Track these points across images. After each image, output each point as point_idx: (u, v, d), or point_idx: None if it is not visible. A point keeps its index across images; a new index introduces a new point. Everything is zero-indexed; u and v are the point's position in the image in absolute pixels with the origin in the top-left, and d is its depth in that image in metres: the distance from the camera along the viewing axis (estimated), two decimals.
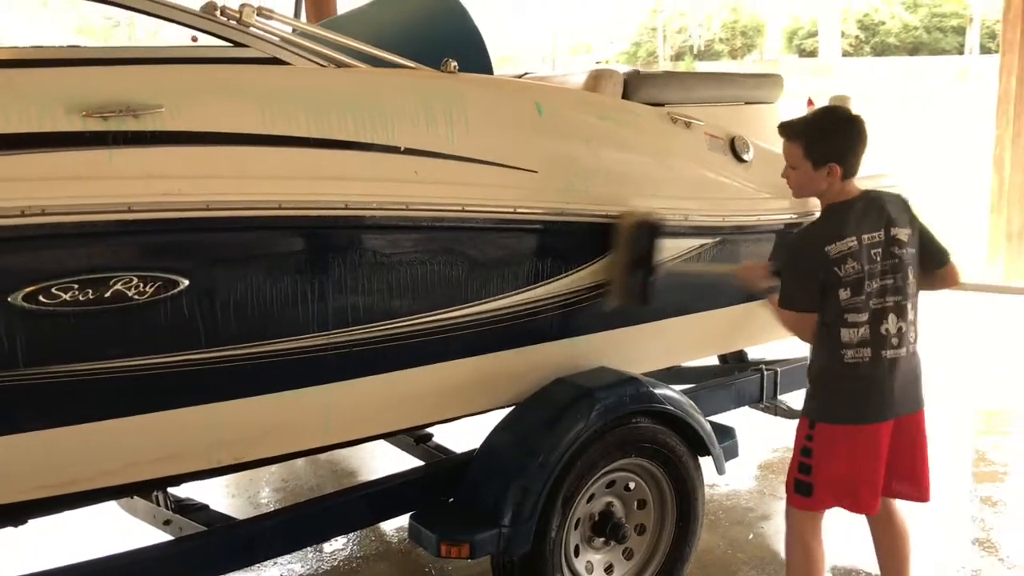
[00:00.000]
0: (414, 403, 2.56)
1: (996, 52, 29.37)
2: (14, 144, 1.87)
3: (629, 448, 2.74)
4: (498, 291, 2.59)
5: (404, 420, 2.61)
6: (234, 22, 2.20)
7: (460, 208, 2.44)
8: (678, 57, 37.49)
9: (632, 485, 2.85)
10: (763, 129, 3.31)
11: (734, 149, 3.05)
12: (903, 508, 2.67)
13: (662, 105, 2.99)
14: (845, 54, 33.36)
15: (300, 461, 4.32)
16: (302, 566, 3.39)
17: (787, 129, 2.51)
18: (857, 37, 35.03)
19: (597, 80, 2.93)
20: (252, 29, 2.24)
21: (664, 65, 34.37)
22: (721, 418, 3.25)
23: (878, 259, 2.40)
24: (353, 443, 2.64)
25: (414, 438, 3.33)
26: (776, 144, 3.36)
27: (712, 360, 3.99)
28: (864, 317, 2.38)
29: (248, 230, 2.16)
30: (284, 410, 2.32)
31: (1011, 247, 7.21)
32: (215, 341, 2.15)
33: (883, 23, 34.75)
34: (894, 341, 2.41)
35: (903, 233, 2.45)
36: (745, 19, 37.83)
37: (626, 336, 2.95)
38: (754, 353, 3.91)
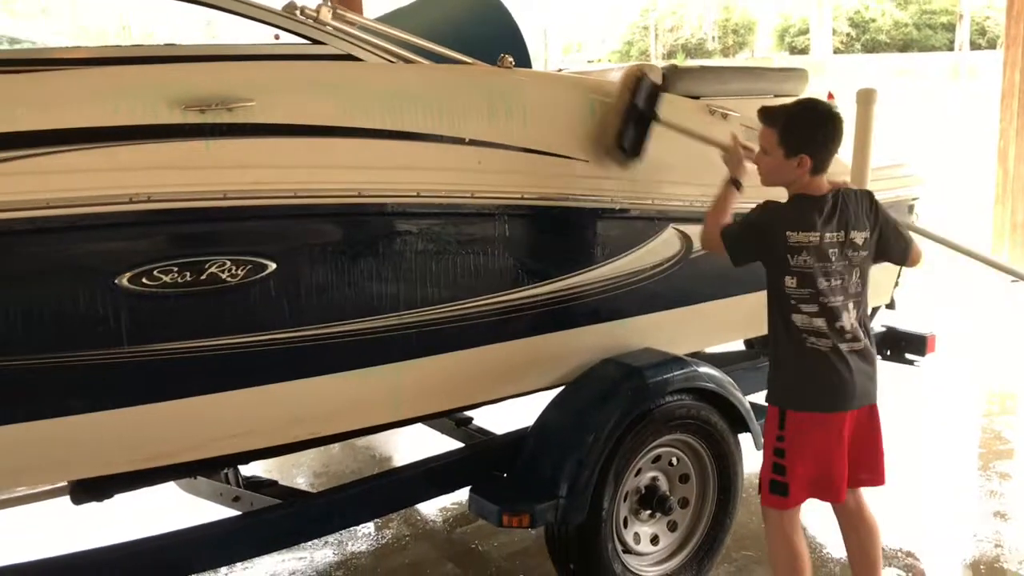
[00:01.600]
0: (474, 382, 2.70)
1: (986, 48, 29.43)
2: (122, 135, 2.01)
3: (674, 424, 2.88)
4: (552, 275, 2.74)
5: (465, 398, 2.75)
6: (312, 21, 2.34)
7: (519, 196, 2.59)
8: (670, 55, 37.66)
9: (676, 460, 2.99)
10: None
11: None
12: (870, 501, 2.68)
13: (698, 98, 3.14)
14: (836, 51, 33.56)
15: (337, 447, 4.46)
16: (353, 544, 3.52)
17: (766, 114, 2.48)
18: (848, 35, 35.24)
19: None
20: (328, 27, 2.37)
21: (656, 63, 34.47)
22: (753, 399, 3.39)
23: (834, 259, 2.41)
24: (418, 420, 2.78)
25: (455, 421, 3.46)
26: None
27: (738, 345, 4.15)
28: (815, 309, 2.40)
29: (330, 216, 2.30)
30: (358, 387, 2.45)
31: (1015, 237, 7.40)
32: (298, 321, 2.29)
33: (874, 20, 34.98)
34: (849, 336, 2.43)
35: (860, 236, 2.46)
36: (736, 17, 38.03)
37: (667, 319, 3.10)
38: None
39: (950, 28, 34.09)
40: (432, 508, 3.81)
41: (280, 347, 2.28)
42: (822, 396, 2.45)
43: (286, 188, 2.20)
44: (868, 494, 2.66)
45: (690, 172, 2.93)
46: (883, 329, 4.03)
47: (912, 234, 2.76)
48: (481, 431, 3.41)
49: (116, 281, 2.03)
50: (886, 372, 4.20)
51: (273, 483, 2.84)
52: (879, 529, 2.66)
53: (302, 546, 3.46)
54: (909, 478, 3.97)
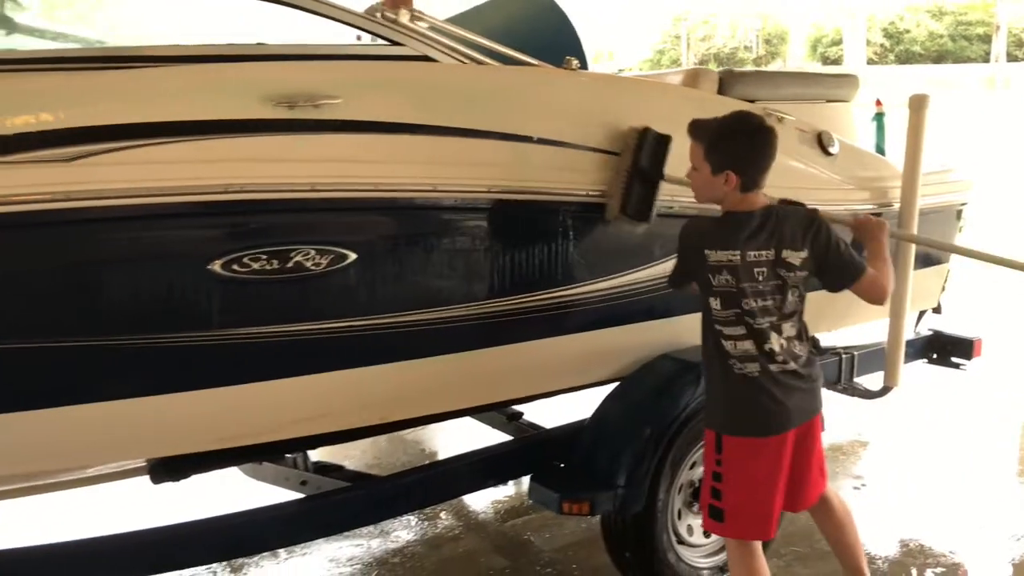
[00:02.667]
0: (537, 373, 2.79)
1: (1023, 60, 29.00)
2: (218, 129, 2.12)
3: None
4: (611, 272, 2.82)
5: (528, 388, 2.84)
6: (391, 23, 2.45)
7: (584, 193, 2.68)
8: (701, 64, 37.62)
9: None
10: (841, 126, 3.54)
11: (821, 143, 3.27)
12: (837, 491, 2.73)
13: (753, 101, 3.21)
14: (870, 62, 33.38)
15: (385, 441, 4.56)
16: (408, 534, 3.62)
17: (694, 128, 2.35)
18: (882, 45, 35.03)
19: (696, 78, 3.16)
20: (406, 29, 2.48)
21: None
22: None
23: (760, 278, 2.29)
24: (478, 410, 2.87)
25: (506, 416, 3.56)
26: (855, 138, 3.60)
27: None
28: (741, 331, 2.30)
29: (406, 210, 2.40)
30: (428, 375, 2.55)
31: None
32: (374, 310, 2.39)
33: (908, 31, 34.74)
34: (780, 358, 2.32)
35: (795, 256, 2.31)
36: (769, 27, 37.95)
37: None
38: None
39: (986, 39, 33.79)
40: (483, 501, 3.90)
41: (356, 334, 2.38)
42: (755, 422, 2.37)
43: (367, 182, 2.30)
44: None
45: None
46: (930, 333, 4.07)
47: (877, 268, 2.44)
48: (532, 425, 3.50)
49: (209, 267, 2.14)
50: (928, 374, 4.30)
51: (340, 467, 2.94)
52: (850, 513, 2.68)
53: (358, 534, 3.57)
54: (950, 479, 4.03)
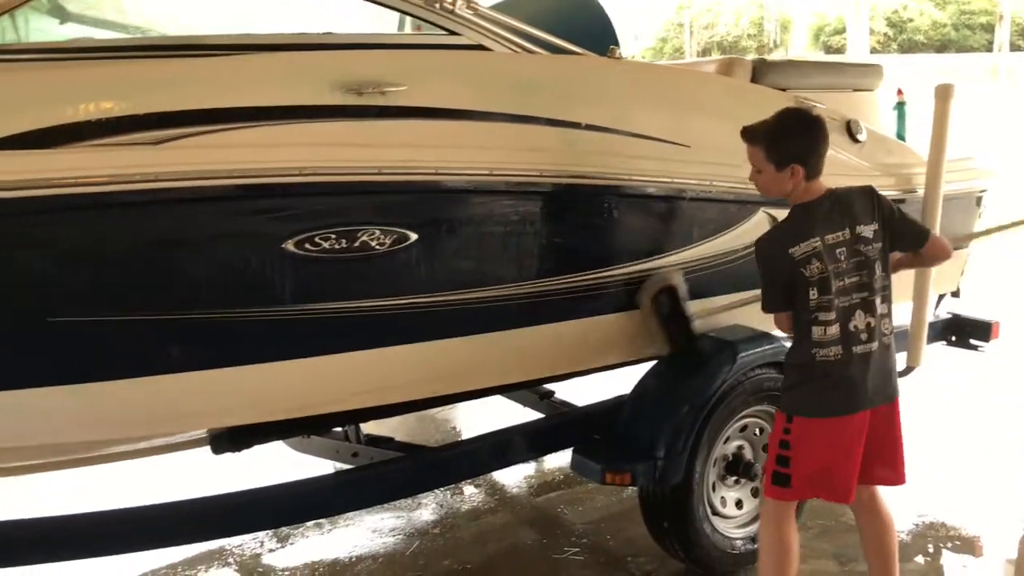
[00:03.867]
0: (584, 350, 2.91)
1: None
2: (293, 115, 2.24)
3: (761, 396, 3.07)
4: (653, 254, 2.94)
5: (576, 364, 2.96)
6: (449, 13, 2.56)
7: (627, 178, 2.79)
8: (704, 53, 37.61)
9: (760, 430, 3.18)
10: (867, 114, 3.65)
11: (850, 131, 3.38)
12: (887, 499, 2.71)
13: (784, 90, 3.33)
14: (873, 51, 33.38)
15: (413, 420, 4.68)
16: (446, 506, 3.75)
17: (748, 134, 2.48)
18: (885, 34, 35.02)
19: (730, 67, 3.27)
20: (462, 19, 2.59)
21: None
22: None
23: (843, 258, 2.42)
24: (536, 383, 3.00)
25: (538, 394, 3.68)
26: (879, 126, 3.71)
27: None
28: (833, 315, 2.40)
29: (465, 192, 2.52)
30: (485, 350, 2.67)
31: None
32: (434, 287, 2.51)
33: (911, 20, 34.73)
34: (863, 336, 2.43)
35: (868, 230, 2.46)
36: (773, 15, 37.92)
37: (754, 297, 3.29)
38: None
39: (989, 29, 33.80)
40: (515, 476, 4.03)
41: (417, 311, 2.51)
42: (828, 403, 2.46)
43: (429, 166, 2.42)
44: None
45: None
46: (948, 316, 4.19)
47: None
48: (564, 403, 3.62)
49: (283, 245, 2.26)
50: (950, 357, 4.41)
51: (390, 439, 3.07)
52: (894, 524, 2.69)
53: (397, 506, 3.70)
54: (965, 458, 4.15)
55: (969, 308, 4.29)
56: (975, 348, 4.14)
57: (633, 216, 2.85)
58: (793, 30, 37.80)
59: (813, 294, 2.41)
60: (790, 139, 2.45)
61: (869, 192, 2.55)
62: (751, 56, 3.53)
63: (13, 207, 1.94)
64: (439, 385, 2.70)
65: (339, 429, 3.12)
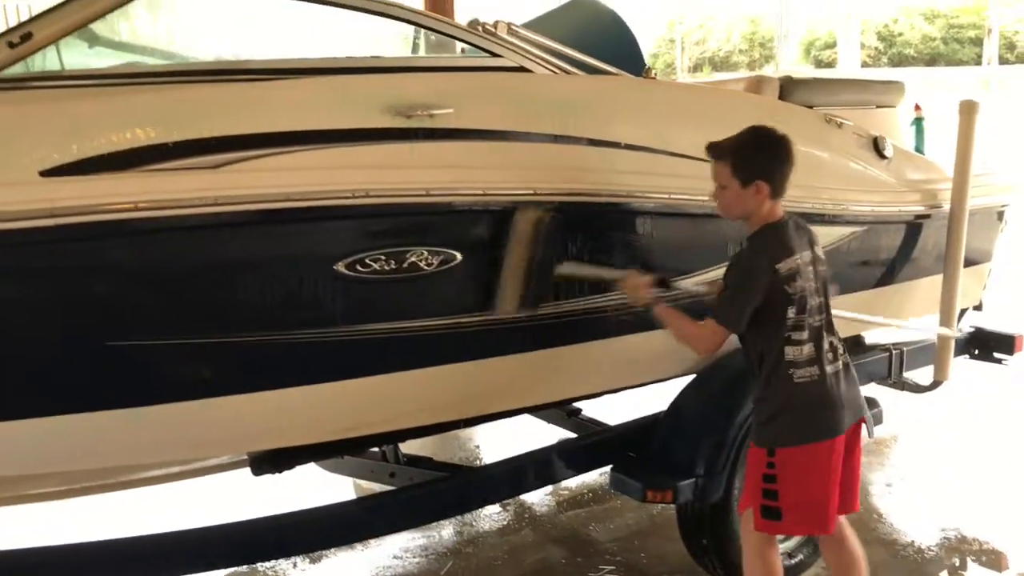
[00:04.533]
0: (626, 367, 2.93)
1: (1015, 63, 29.17)
2: (344, 138, 2.26)
3: None
4: (688, 270, 2.95)
5: (618, 381, 2.98)
6: (491, 36, 2.59)
7: (666, 196, 2.81)
8: (696, 68, 37.86)
9: None
10: (889, 130, 3.69)
11: (876, 147, 3.41)
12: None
13: (811, 107, 3.37)
14: (864, 65, 33.62)
15: (431, 440, 4.67)
16: (476, 525, 3.75)
17: (715, 149, 2.45)
18: (876, 48, 35.30)
19: (759, 85, 3.31)
20: (504, 41, 2.62)
21: (683, 76, 34.92)
22: None
23: (812, 277, 2.41)
24: (571, 401, 3.00)
25: (566, 412, 3.69)
26: (900, 142, 3.75)
27: None
28: (806, 335, 2.38)
29: (507, 212, 2.53)
30: (527, 368, 2.68)
31: None
32: (478, 308, 2.52)
33: (901, 34, 35.02)
34: (830, 356, 2.43)
35: (821, 251, 2.50)
36: (763, 30, 38.20)
37: None
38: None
39: (977, 42, 34.10)
40: (543, 494, 4.03)
41: (463, 331, 2.52)
42: (811, 427, 2.41)
43: (475, 186, 2.43)
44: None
45: (816, 175, 3.14)
46: (972, 329, 4.22)
47: None
48: (592, 421, 3.63)
49: (335, 267, 2.28)
50: (976, 371, 4.43)
51: (429, 459, 3.07)
52: (862, 555, 2.60)
53: (427, 526, 3.69)
54: (987, 470, 4.17)
55: (992, 321, 4.32)
56: (999, 361, 4.17)
57: (671, 234, 2.87)
58: (784, 44, 38.07)
59: (791, 312, 2.37)
60: (758, 155, 2.42)
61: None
62: (778, 74, 3.57)
63: (76, 232, 1.94)
64: (487, 404, 2.71)
65: (375, 449, 3.13)
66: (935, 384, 3.71)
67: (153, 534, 2.41)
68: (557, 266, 2.58)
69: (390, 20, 2.46)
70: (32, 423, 2.09)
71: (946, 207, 3.56)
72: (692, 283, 2.75)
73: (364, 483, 3.79)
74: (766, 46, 38.27)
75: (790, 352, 2.38)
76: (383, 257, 2.33)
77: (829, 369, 2.42)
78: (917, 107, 4.26)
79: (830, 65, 33.99)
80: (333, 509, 2.57)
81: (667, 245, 2.87)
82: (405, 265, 2.37)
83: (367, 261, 2.31)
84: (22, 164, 1.90)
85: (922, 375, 3.92)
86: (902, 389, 3.92)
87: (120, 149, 1.99)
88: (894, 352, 3.82)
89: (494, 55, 2.60)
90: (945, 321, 3.58)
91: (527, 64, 2.65)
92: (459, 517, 3.77)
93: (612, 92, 2.78)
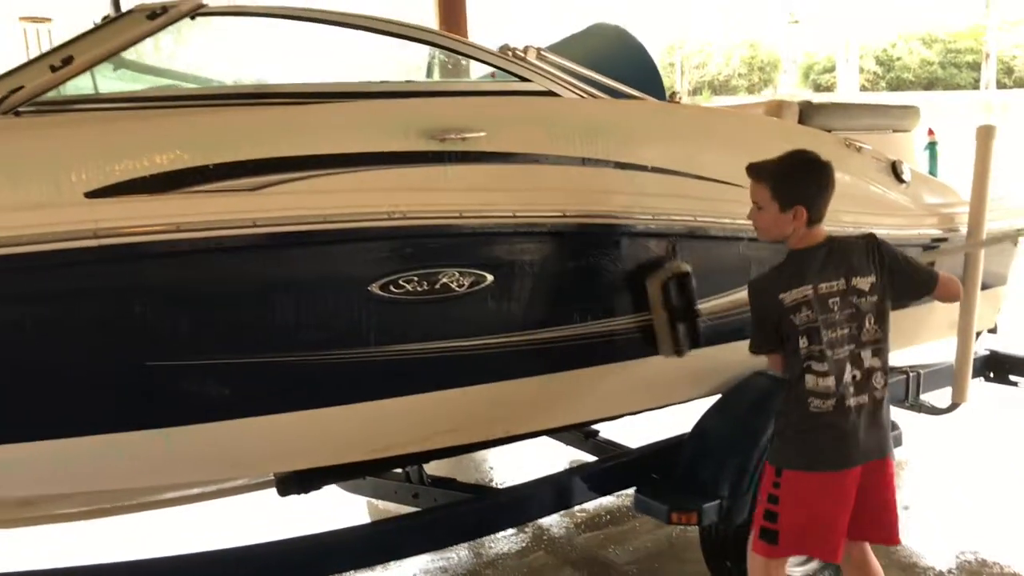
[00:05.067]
0: (651, 388, 2.94)
1: (1012, 87, 29.35)
2: (381, 160, 2.28)
3: None
4: (713, 293, 2.98)
5: (643, 403, 2.99)
6: (521, 61, 2.62)
7: (692, 219, 2.84)
8: (696, 92, 38.11)
9: None
10: (904, 154, 3.72)
11: (895, 171, 3.44)
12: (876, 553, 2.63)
13: (829, 131, 3.40)
14: (863, 89, 33.87)
15: (445, 462, 4.68)
16: (495, 546, 3.74)
17: (755, 170, 2.42)
18: (874, 73, 35.57)
19: (779, 109, 3.34)
20: (533, 66, 2.66)
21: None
22: None
23: (835, 308, 2.35)
24: (594, 422, 3.01)
25: (584, 434, 3.70)
26: (917, 166, 3.78)
27: None
28: (826, 366, 2.34)
29: (539, 235, 2.55)
30: (554, 389, 2.69)
31: None
32: (512, 327, 2.54)
33: (899, 58, 35.30)
34: (854, 389, 2.36)
35: (865, 282, 2.39)
36: (763, 55, 38.51)
37: None
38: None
39: (975, 67, 34.38)
40: (559, 515, 4.02)
41: (495, 350, 2.53)
42: (820, 456, 2.39)
43: (506, 209, 2.46)
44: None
45: (839, 199, 3.16)
46: (986, 352, 4.24)
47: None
48: (609, 442, 3.64)
49: (369, 288, 2.30)
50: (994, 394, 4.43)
51: (453, 480, 3.08)
52: None
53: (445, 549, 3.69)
54: (1002, 494, 4.17)
55: (1007, 344, 4.34)
56: (1014, 384, 4.18)
57: (696, 257, 2.89)
58: (783, 68, 38.38)
59: (803, 342, 2.35)
60: (799, 180, 2.39)
61: (870, 241, 2.47)
62: (799, 98, 3.61)
63: (119, 253, 1.97)
64: (515, 424, 2.73)
65: (398, 470, 3.13)
66: (953, 406, 3.71)
67: (188, 554, 2.41)
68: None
69: (424, 45, 2.49)
70: (71, 443, 2.10)
71: (963, 231, 3.58)
72: None
73: (381, 504, 3.81)
74: (765, 70, 38.59)
75: (810, 380, 2.36)
76: (416, 278, 2.35)
77: (851, 403, 2.36)
78: (930, 132, 4.31)
79: (828, 89, 34.24)
80: (365, 529, 2.58)
81: (694, 268, 2.89)
82: (437, 286, 2.39)
83: (400, 282, 2.33)
84: (69, 185, 1.92)
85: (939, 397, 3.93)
86: (919, 411, 3.92)
87: (162, 171, 2.02)
88: (911, 374, 3.82)
89: (523, 79, 2.64)
90: (962, 343, 3.59)
91: (555, 88, 2.68)
92: (477, 539, 3.77)
93: (638, 115, 2.81)
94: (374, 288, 2.30)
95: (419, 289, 2.36)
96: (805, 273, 2.37)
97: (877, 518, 2.48)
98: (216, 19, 2.49)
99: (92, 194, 1.94)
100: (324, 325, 2.28)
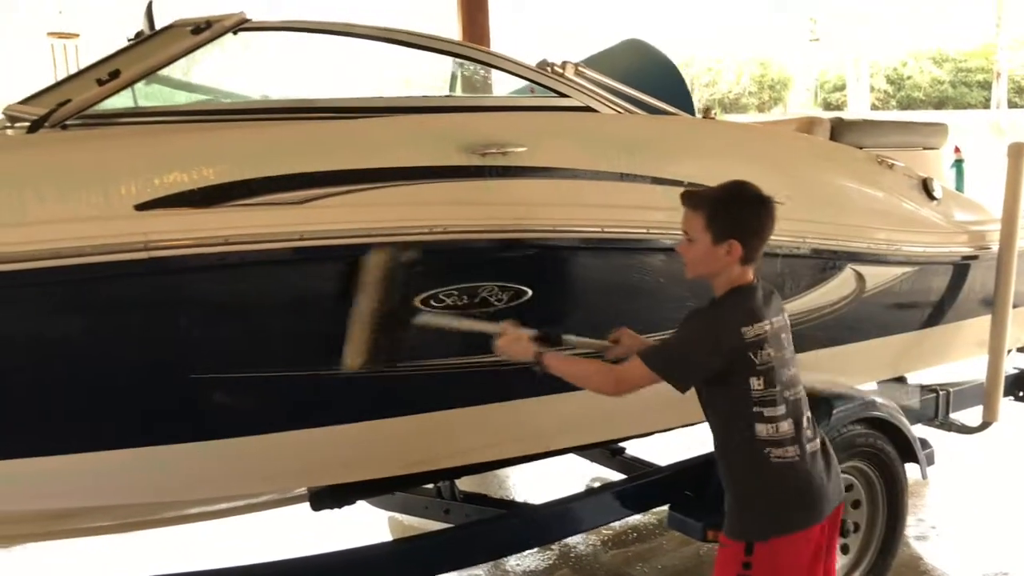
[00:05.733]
0: (679, 406, 2.91)
1: (1023, 107, 29.29)
2: (424, 174, 2.29)
3: (853, 451, 3.08)
4: None
5: (680, 419, 2.96)
6: (559, 77, 2.63)
7: None
8: (706, 110, 37.96)
9: (850, 486, 3.18)
10: (933, 171, 3.72)
11: (926, 188, 3.44)
12: None
13: (860, 148, 3.40)
14: (873, 107, 33.88)
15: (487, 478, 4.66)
16: (519, 563, 3.72)
17: (692, 198, 2.20)
18: (885, 92, 35.60)
19: (811, 126, 3.35)
20: (571, 82, 2.67)
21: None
22: None
23: (786, 345, 2.17)
24: (629, 439, 3.01)
25: (610, 451, 3.68)
26: (945, 184, 3.78)
27: None
28: (782, 410, 2.10)
29: (577, 249, 2.55)
30: (590, 405, 2.67)
31: None
32: (553, 343, 2.53)
33: (910, 77, 35.33)
34: (808, 434, 2.16)
35: (787, 316, 2.27)
36: (773, 73, 38.58)
37: (835, 353, 3.32)
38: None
39: (985, 86, 34.38)
40: (584, 533, 4.00)
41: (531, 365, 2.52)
42: (799, 514, 2.15)
43: (546, 223, 2.46)
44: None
45: (872, 216, 3.17)
46: (1015, 371, 4.21)
47: None
48: (635, 460, 3.63)
49: (412, 303, 2.29)
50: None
51: (485, 496, 3.07)
52: None
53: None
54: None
55: None
56: None
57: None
58: (793, 87, 38.47)
59: (757, 384, 2.09)
60: (738, 212, 2.15)
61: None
62: (829, 115, 3.62)
63: (168, 265, 1.97)
64: (554, 439, 2.72)
65: (430, 485, 3.13)
66: (984, 425, 3.70)
67: (237, 567, 2.41)
68: (416, 316, 2.30)
69: (466, 61, 2.50)
70: (113, 455, 2.10)
71: (994, 248, 3.57)
72: (584, 339, 2.46)
73: (405, 520, 3.81)
74: (775, 88, 38.66)
75: (762, 430, 2.09)
76: (455, 292, 2.35)
77: (809, 448, 2.15)
78: (957, 149, 4.31)
79: (839, 107, 34.27)
80: (402, 545, 2.57)
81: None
82: (476, 300, 2.38)
83: (441, 296, 2.33)
84: (119, 198, 1.93)
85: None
86: (949, 430, 3.91)
87: (211, 184, 2.02)
88: (941, 393, 3.82)
89: (561, 95, 2.64)
90: (993, 362, 3.57)
91: (593, 104, 2.69)
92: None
93: (674, 131, 2.82)
94: (416, 302, 2.30)
95: (459, 303, 2.36)
96: (757, 308, 2.13)
97: (827, 570, 2.28)
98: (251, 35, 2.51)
99: (142, 206, 1.95)
100: (369, 340, 2.27)
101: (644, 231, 2.65)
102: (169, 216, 1.98)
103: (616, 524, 4.08)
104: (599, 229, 2.56)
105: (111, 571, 2.48)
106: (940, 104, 34.29)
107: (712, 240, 2.12)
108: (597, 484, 4.38)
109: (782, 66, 38.08)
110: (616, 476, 3.58)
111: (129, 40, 3.09)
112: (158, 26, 3.07)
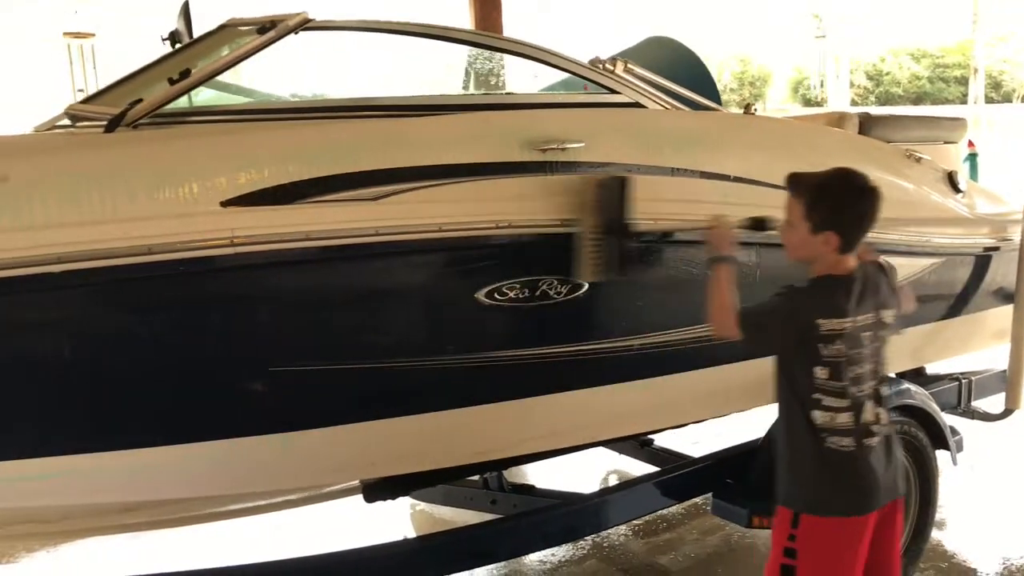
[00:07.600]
0: (712, 398, 2.98)
1: (999, 102, 29.64)
2: (489, 171, 2.34)
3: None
4: None
5: (704, 412, 3.03)
6: (610, 73, 2.69)
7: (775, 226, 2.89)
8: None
9: None
10: (953, 165, 3.80)
11: (951, 181, 3.52)
12: None
13: (888, 142, 3.48)
14: (853, 103, 34.19)
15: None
16: (554, 555, 3.77)
17: (794, 182, 2.20)
18: (864, 87, 35.94)
19: (840, 121, 3.42)
20: (621, 79, 2.72)
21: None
22: None
23: (865, 343, 2.16)
24: (664, 430, 3.07)
25: (640, 442, 3.74)
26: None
27: None
28: (844, 403, 2.13)
29: (636, 243, 2.60)
30: (634, 397, 2.74)
31: None
32: (608, 335, 2.59)
33: (889, 73, 35.70)
34: (874, 428, 2.18)
35: (889, 315, 2.24)
36: (753, 70, 38.86)
37: None
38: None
39: (963, 82, 34.79)
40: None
41: (588, 357, 2.58)
42: (844, 500, 2.18)
43: None
44: None
45: (903, 208, 3.24)
46: None
47: None
48: (664, 451, 3.69)
49: (476, 296, 2.34)
50: None
51: (532, 487, 3.12)
52: None
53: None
54: None
55: None
56: None
57: (777, 264, 2.94)
58: (773, 83, 38.75)
59: (822, 374, 2.12)
60: (837, 203, 2.15)
61: (886, 269, 2.33)
62: (856, 111, 3.70)
63: (252, 260, 2.01)
64: (601, 430, 2.76)
65: (476, 476, 3.17)
66: (1007, 412, 3.78)
67: (291, 559, 2.44)
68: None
69: (521, 59, 2.55)
70: (193, 447, 2.14)
71: (1016, 239, 3.66)
72: None
73: (435, 512, 3.85)
74: (755, 85, 38.91)
75: (819, 416, 2.14)
76: (518, 286, 2.40)
77: (867, 442, 2.17)
78: (971, 143, 4.40)
79: (818, 104, 34.56)
80: (461, 534, 2.61)
81: (775, 275, 2.94)
82: (537, 294, 2.43)
83: (504, 290, 2.38)
84: (207, 194, 1.97)
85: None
86: (972, 418, 3.99)
87: (291, 181, 2.06)
88: (963, 381, 3.90)
89: (612, 91, 2.70)
90: (1016, 350, 3.66)
91: (641, 100, 2.74)
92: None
93: (719, 126, 2.88)
94: (480, 295, 2.35)
95: (520, 297, 2.41)
96: (845, 304, 2.14)
97: (883, 565, 2.28)
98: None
99: (228, 203, 1.99)
100: (434, 332, 2.32)
101: (693, 224, 2.70)
102: (253, 212, 2.02)
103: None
104: (651, 223, 2.61)
105: (110, 572, 2.49)
106: (918, 99, 34.68)
107: (810, 229, 2.14)
108: (613, 476, 4.48)
109: (762, 64, 38.38)
110: (624, 468, 3.61)
111: (163, 39, 3.11)
112: (194, 25, 3.11)
